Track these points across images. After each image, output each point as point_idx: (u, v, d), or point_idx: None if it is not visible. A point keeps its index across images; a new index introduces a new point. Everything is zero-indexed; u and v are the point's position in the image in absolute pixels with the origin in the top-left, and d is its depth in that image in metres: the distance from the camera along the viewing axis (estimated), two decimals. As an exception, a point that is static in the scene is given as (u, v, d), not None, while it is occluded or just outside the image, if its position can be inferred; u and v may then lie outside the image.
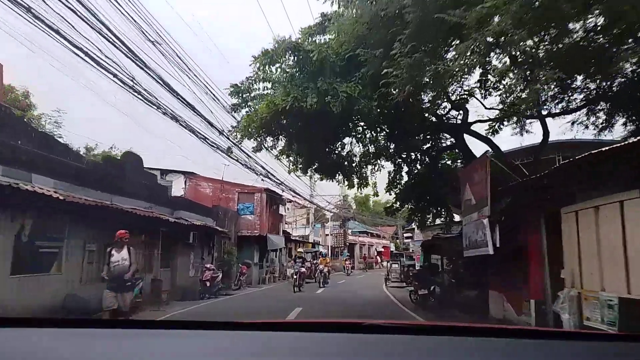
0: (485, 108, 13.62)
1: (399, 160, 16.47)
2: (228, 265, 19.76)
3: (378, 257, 54.25)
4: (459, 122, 13.17)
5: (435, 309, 13.13)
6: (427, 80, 8.79)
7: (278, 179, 21.19)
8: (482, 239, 9.36)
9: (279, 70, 10.65)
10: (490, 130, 13.84)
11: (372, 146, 16.36)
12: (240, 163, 16.96)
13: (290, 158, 14.41)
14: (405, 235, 35.94)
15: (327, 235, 45.35)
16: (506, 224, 9.18)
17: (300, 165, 15.38)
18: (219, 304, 14.30)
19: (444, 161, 16.77)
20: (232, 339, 1.46)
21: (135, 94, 9.95)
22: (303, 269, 18.65)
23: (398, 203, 17.00)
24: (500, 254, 9.16)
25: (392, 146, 16.15)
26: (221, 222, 19.52)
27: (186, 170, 23.37)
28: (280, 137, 12.45)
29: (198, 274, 15.91)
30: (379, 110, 9.65)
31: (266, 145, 12.57)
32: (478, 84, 12.09)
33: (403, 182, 16.58)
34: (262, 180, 19.61)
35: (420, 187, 15.74)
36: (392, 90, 8.40)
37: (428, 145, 15.61)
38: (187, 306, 13.39)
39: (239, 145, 13.55)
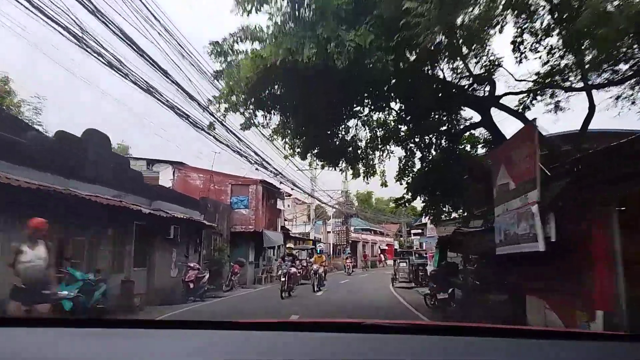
0: (516, 80, 11.61)
1: (411, 145, 14.44)
2: (218, 264, 17.77)
3: (382, 255, 52.29)
4: (486, 94, 11.12)
5: (456, 315, 11.13)
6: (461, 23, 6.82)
7: (275, 169, 19.18)
8: (527, 232, 7.33)
9: (270, 27, 8.60)
10: (521, 106, 11.83)
11: (381, 129, 14.40)
12: (231, 148, 14.94)
13: (287, 140, 12.38)
14: (413, 232, 33.74)
15: (328, 232, 43.38)
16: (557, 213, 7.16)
17: (299, 149, 13.39)
18: (203, 309, 12.31)
19: (462, 146, 14.68)
20: (232, 339, 1.45)
21: (90, 51, 7.91)
22: (293, 269, 15.28)
23: (409, 194, 14.98)
24: (546, 250, 7.15)
25: (404, 129, 14.19)
26: (211, 216, 17.51)
27: (174, 160, 21.38)
28: (273, 110, 10.39)
29: (182, 275, 13.92)
30: (394, 68, 7.59)
31: (256, 122, 10.54)
32: (512, 46, 10.10)
33: (415, 169, 14.57)
34: (257, 169, 17.62)
35: (435, 175, 13.68)
36: (415, 35, 6.39)
37: (445, 127, 13.53)
38: (166, 311, 11.42)
39: (223, 122, 11.48)
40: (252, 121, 10.23)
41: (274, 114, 10.66)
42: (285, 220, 33.29)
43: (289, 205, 43.57)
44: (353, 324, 1.55)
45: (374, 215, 55.69)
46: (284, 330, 1.58)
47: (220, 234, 19.25)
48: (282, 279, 14.55)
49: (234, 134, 13.00)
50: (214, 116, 10.46)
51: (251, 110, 9.82)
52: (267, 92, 9.37)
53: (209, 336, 1.46)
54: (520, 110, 11.54)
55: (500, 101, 11.31)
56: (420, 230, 26.14)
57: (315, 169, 23.12)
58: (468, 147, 14.85)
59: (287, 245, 17.35)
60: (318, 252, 20.11)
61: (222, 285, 17.22)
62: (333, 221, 44.33)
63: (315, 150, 13.89)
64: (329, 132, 13.19)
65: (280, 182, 21.03)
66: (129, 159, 12.02)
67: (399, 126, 14.16)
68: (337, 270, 35.28)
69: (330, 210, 43.79)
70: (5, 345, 1.30)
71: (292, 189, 23.22)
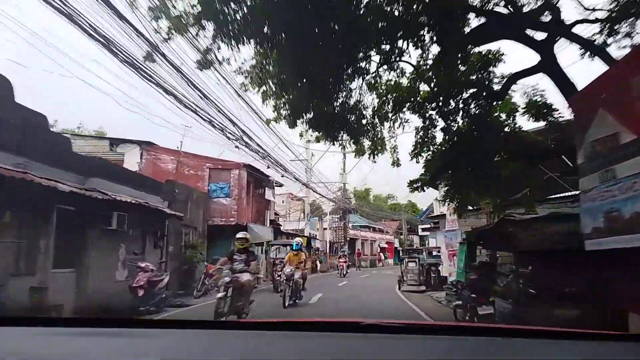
0: (586, 9, 8.41)
1: (431, 112, 11.27)
2: (190, 263, 14.49)
3: (381, 254, 49.14)
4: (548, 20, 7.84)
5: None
6: None
7: (261, 148, 15.89)
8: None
9: None
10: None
11: (392, 95, 11.24)
12: (199, 115, 11.67)
13: (268, 92, 9.07)
14: (422, 227, 30.30)
15: (325, 229, 40.16)
16: None
17: (285, 112, 10.19)
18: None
19: (496, 113, 11.45)
20: (232, 338, 1.45)
21: None
22: (246, 277, 8.52)
23: (428, 174, 11.82)
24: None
25: (424, 89, 11.06)
26: (181, 205, 14.26)
27: (142, 140, 18.07)
28: (244, 38, 7.05)
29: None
30: None
31: (219, 56, 7.26)
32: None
33: (437, 143, 11.43)
34: (237, 147, 14.31)
35: (462, 148, 10.59)
36: None
37: (478, 83, 10.31)
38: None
39: (166, 58, 8.14)
40: (212, 54, 6.96)
41: (246, 45, 7.31)
42: (276, 215, 30.04)
43: (283, 202, 40.38)
44: (352, 324, 1.53)
45: (373, 212, 52.58)
46: (283, 329, 1.57)
47: (194, 227, 15.97)
48: (220, 294, 7.96)
49: (190, 82, 9.64)
50: (149, 42, 7.09)
51: (210, 36, 6.58)
52: (230, 3, 6.12)
53: (209, 336, 1.46)
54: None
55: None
56: (431, 225, 22.90)
57: (308, 141, 19.80)
58: (503, 116, 11.59)
59: (239, 235, 9.32)
60: (294, 247, 13.07)
61: (194, 290, 13.93)
62: (330, 217, 41.14)
63: (308, 116, 10.78)
64: (325, 93, 10.14)
65: (268, 167, 17.74)
66: (46, 118, 8.71)
67: (416, 84, 11.00)
68: (333, 270, 32.11)
69: (327, 206, 40.60)
70: (4, 345, 1.30)
71: (283, 176, 19.95)
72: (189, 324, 1.60)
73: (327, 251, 37.23)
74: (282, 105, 9.79)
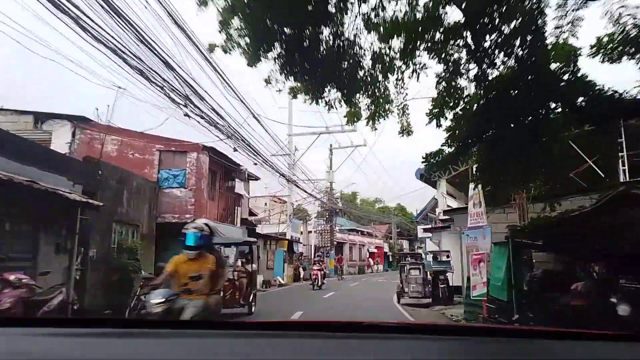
0: None
1: (457, 53, 7.80)
2: (123, 273, 10.69)
3: (370, 259, 45.65)
4: None
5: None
6: None
7: (223, 120, 12.22)
8: None
9: None
10: None
11: (402, 35, 7.75)
12: (121, 55, 7.99)
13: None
14: (423, 228, 26.61)
15: (309, 232, 36.55)
16: None
17: (242, 36, 6.67)
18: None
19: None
20: (231, 339, 1.43)
21: None
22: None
23: (451, 144, 8.31)
24: None
25: (450, 20, 7.63)
26: (111, 193, 10.52)
27: (74, 114, 14.23)
28: None
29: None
30: None
31: None
32: None
33: (466, 96, 8.00)
34: (187, 115, 10.63)
35: (503, 106, 7.29)
36: None
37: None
38: None
39: None
40: None
41: None
42: (253, 214, 26.32)
43: (266, 204, 36.65)
44: (353, 324, 1.52)
45: (362, 214, 49.16)
46: (283, 330, 1.57)
47: (134, 225, 12.19)
48: None
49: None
50: None
51: None
52: None
53: (208, 336, 1.46)
54: None
55: None
56: (432, 225, 19.39)
57: (279, 91, 16.02)
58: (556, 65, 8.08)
59: None
60: (186, 242, 5.11)
61: (126, 309, 10.14)
62: (314, 221, 37.55)
63: (278, 50, 7.24)
64: (306, 19, 6.76)
65: (235, 150, 14.04)
66: None
67: (436, 12, 7.48)
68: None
69: (312, 207, 36.97)
70: (4, 345, 1.26)
71: (256, 164, 16.22)
72: (190, 324, 1.75)
73: (312, 257, 33.56)
74: (234, 21, 6.22)
